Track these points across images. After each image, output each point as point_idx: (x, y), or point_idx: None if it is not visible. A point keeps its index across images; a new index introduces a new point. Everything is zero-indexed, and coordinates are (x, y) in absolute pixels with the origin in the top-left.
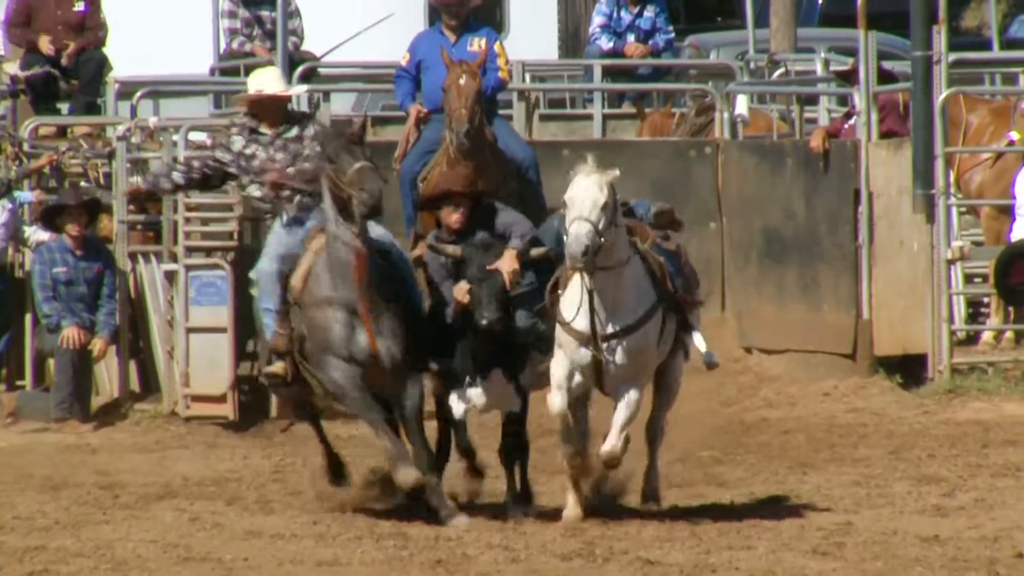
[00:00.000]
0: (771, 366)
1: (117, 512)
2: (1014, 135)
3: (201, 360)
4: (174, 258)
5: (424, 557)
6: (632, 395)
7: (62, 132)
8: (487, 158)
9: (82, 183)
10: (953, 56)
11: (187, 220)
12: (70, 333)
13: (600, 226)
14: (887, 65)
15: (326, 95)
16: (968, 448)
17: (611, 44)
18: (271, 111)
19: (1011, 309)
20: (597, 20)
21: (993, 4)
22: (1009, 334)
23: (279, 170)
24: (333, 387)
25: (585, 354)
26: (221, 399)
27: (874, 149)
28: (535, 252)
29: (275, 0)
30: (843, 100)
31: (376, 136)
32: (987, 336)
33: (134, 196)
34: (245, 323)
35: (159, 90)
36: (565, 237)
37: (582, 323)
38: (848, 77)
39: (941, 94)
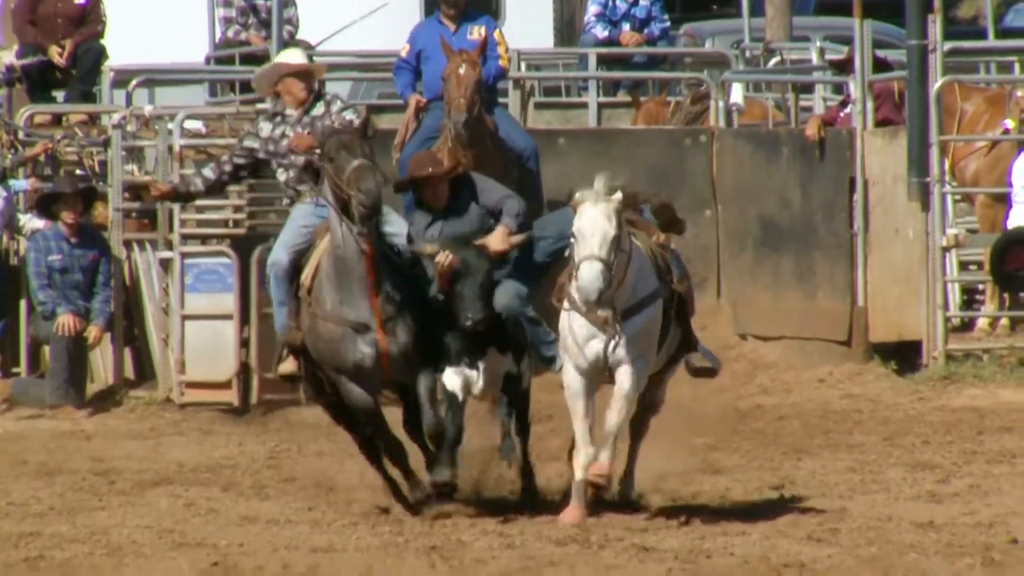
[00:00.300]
0: (766, 353)
1: (112, 498)
2: (1009, 123)
3: (201, 347)
4: (169, 246)
5: (419, 543)
6: (628, 385)
7: (57, 120)
8: (487, 147)
9: (77, 171)
10: (948, 45)
11: (183, 208)
12: (65, 320)
13: (611, 261)
14: (882, 54)
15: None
16: (963, 434)
17: (606, 32)
18: (295, 90)
19: (1006, 296)
20: (592, 8)
21: None
22: (1004, 321)
23: (307, 136)
24: (348, 403)
25: (595, 347)
26: (225, 386)
27: (869, 137)
28: (515, 240)
29: None
30: (838, 88)
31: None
32: (982, 323)
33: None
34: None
35: (155, 78)
36: (575, 275)
37: (591, 344)
38: (843, 66)
39: (936, 82)
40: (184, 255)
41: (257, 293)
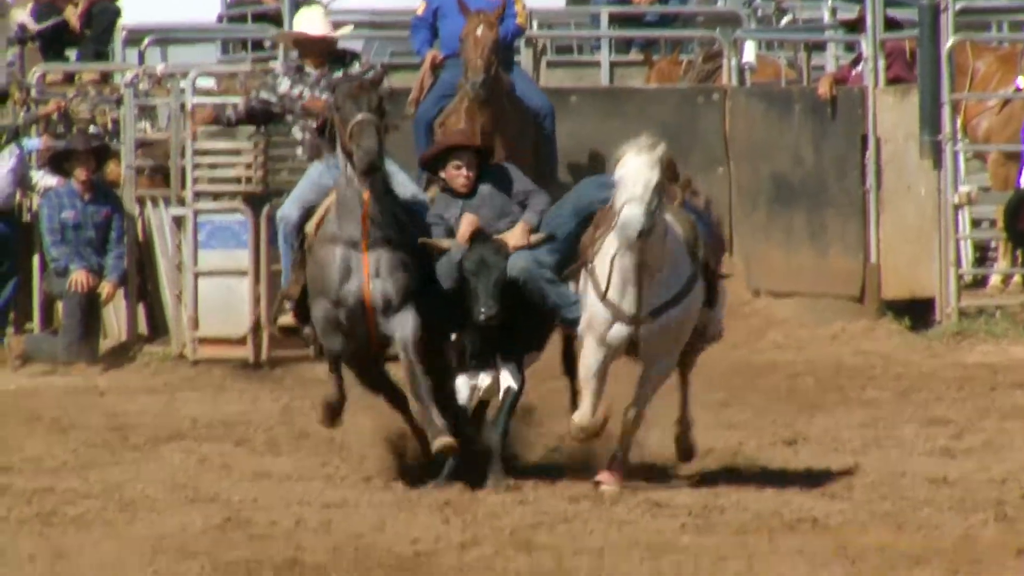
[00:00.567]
0: (779, 309)
1: (125, 454)
2: (1021, 81)
3: (214, 304)
4: (182, 202)
5: (432, 499)
6: (664, 366)
7: (70, 79)
8: (504, 106)
9: (90, 129)
10: (960, 3)
11: (195, 165)
12: (79, 276)
13: (653, 207)
14: (893, 12)
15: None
16: (976, 391)
17: None
18: (315, 51)
19: (1019, 253)
20: None
21: None
22: (1017, 277)
23: (321, 100)
24: (314, 321)
25: (621, 333)
26: (239, 342)
27: (881, 95)
28: (534, 238)
29: None
30: (850, 47)
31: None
32: (995, 279)
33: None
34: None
35: (167, 37)
36: (616, 217)
37: (622, 299)
38: (855, 24)
39: (948, 41)
40: (197, 212)
41: (267, 249)
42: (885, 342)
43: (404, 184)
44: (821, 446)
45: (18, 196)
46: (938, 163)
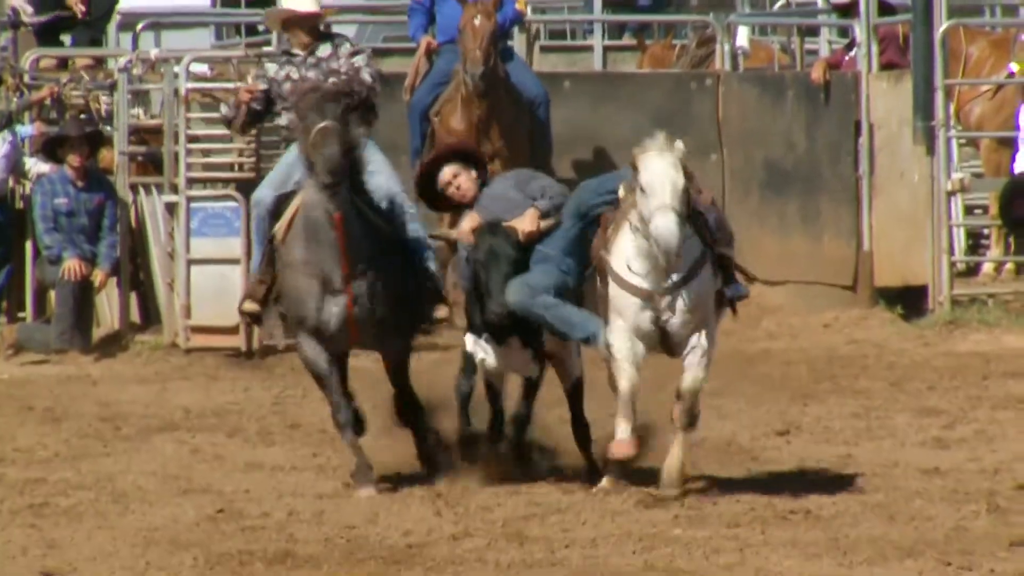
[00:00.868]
0: (772, 297)
1: (118, 444)
2: (1014, 67)
3: (207, 292)
4: (175, 190)
5: (425, 490)
6: (704, 339)
7: (63, 64)
8: (501, 96)
9: (83, 115)
10: None
11: (188, 152)
12: (71, 264)
13: (683, 211)
14: None
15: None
16: (968, 380)
17: None
18: (302, 31)
19: (1011, 240)
20: None
21: None
22: (1009, 266)
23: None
24: (304, 362)
25: (647, 314)
26: (231, 331)
27: (874, 81)
28: (544, 224)
29: None
30: (844, 32)
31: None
32: (987, 268)
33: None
34: None
35: (161, 22)
36: (651, 227)
37: (643, 279)
38: (848, 9)
39: (941, 26)
40: (190, 199)
41: None
42: (878, 331)
43: (380, 169)
44: (813, 436)
45: (11, 183)
46: (931, 149)
